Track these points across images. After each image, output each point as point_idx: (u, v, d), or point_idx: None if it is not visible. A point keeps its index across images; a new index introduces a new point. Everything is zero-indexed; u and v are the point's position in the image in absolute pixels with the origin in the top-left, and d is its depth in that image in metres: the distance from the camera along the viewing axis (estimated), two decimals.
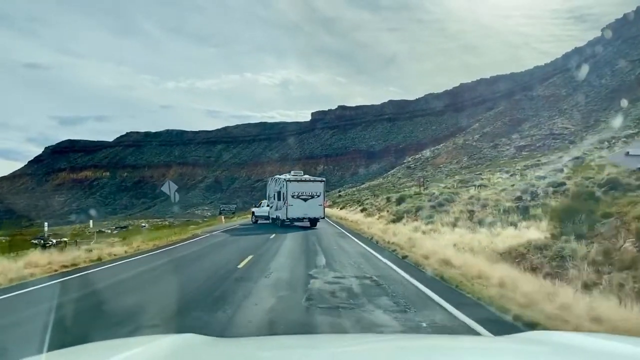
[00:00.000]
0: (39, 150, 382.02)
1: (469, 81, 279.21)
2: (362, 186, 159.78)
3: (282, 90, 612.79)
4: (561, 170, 37.07)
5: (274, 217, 35.60)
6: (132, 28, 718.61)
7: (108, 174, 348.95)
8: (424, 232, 19.11)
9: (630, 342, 2.43)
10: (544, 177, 33.74)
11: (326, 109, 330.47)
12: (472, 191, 26.63)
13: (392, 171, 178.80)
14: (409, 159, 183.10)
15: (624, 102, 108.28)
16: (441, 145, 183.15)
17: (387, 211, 34.16)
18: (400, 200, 35.98)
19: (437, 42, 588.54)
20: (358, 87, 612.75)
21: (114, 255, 17.48)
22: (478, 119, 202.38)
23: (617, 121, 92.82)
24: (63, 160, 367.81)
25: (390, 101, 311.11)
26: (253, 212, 41.93)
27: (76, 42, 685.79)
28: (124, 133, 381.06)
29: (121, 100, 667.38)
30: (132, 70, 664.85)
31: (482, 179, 40.21)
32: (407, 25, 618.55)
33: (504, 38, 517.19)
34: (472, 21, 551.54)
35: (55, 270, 13.54)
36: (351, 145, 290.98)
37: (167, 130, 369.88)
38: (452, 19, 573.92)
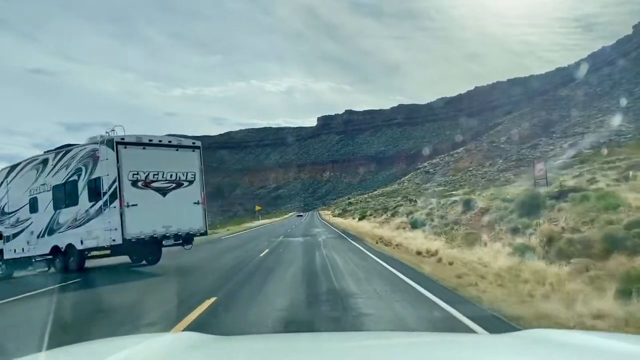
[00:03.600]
0: None
1: (485, 84, 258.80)
2: (375, 193, 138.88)
3: (288, 98, 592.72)
4: None
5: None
6: (138, 36, 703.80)
7: None
8: None
9: (629, 341, 2.33)
10: None
11: (333, 114, 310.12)
12: None
13: (407, 177, 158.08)
14: (425, 164, 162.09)
15: (623, 101, 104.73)
16: (461, 149, 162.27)
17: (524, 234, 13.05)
18: (529, 207, 14.95)
19: (442, 50, 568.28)
20: (363, 95, 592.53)
21: None
22: (499, 122, 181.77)
23: None
24: None
25: (400, 106, 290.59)
26: None
27: (81, 49, 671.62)
28: None
29: (127, 107, 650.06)
30: (137, 77, 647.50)
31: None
32: (411, 33, 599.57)
33: (510, 47, 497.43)
34: (477, 29, 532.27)
35: None
36: (359, 151, 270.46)
37: (168, 135, 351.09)
38: (456, 27, 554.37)
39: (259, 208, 74.68)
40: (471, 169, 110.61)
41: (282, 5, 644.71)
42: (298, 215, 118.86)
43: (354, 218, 56.10)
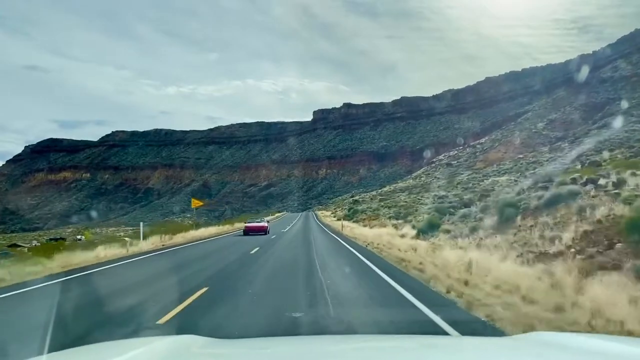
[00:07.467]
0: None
1: (496, 75, 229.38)
2: (385, 189, 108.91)
3: (284, 97, 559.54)
4: None
5: None
6: (133, 33, 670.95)
7: (88, 175, 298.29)
8: None
9: (629, 343, 2.31)
10: None
11: (330, 107, 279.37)
12: None
13: (420, 171, 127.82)
14: (441, 157, 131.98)
15: (624, 104, 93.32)
16: (484, 139, 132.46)
17: None
18: None
19: (438, 51, 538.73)
20: (361, 95, 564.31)
21: None
22: (522, 111, 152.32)
23: None
24: (43, 160, 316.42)
25: (403, 98, 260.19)
26: None
27: (76, 46, 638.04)
28: (109, 132, 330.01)
29: (121, 105, 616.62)
30: (132, 74, 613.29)
31: None
32: (407, 33, 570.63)
33: (505, 48, 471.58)
34: (472, 31, 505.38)
35: None
36: (358, 146, 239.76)
37: (155, 130, 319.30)
38: (452, 29, 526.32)
39: (200, 204, 42.83)
40: (521, 156, 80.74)
41: (278, 4, 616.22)
42: (248, 231, 34.15)
43: (396, 228, 25.40)
